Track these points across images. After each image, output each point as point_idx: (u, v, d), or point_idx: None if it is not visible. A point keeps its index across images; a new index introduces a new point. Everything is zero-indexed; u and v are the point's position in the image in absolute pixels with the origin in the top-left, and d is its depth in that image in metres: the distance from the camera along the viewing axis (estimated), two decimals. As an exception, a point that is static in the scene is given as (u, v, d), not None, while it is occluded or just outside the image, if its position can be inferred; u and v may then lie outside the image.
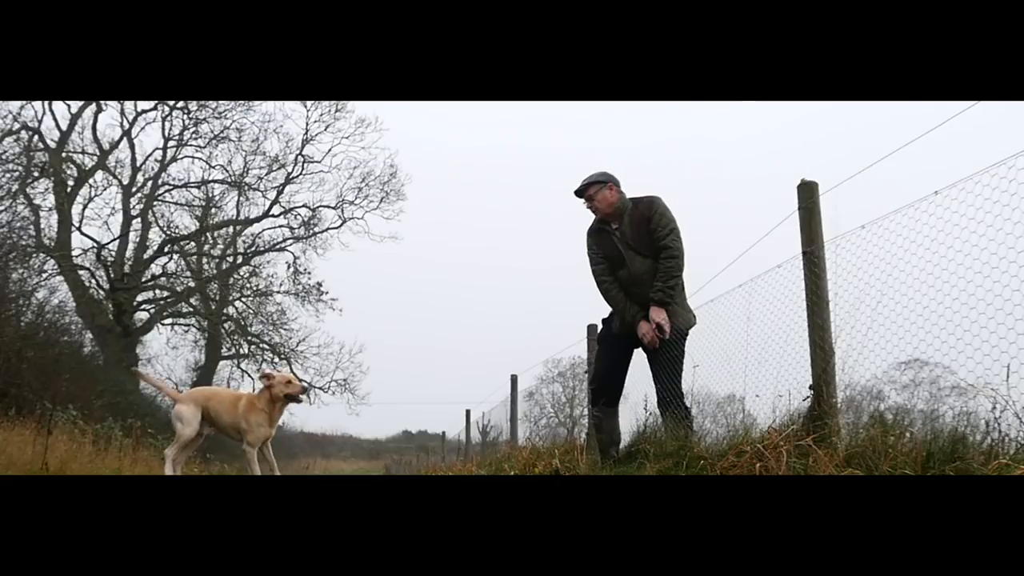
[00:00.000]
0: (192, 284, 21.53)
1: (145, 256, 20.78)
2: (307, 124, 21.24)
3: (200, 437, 5.53)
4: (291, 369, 21.51)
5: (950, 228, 2.66)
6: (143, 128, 20.35)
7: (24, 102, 17.60)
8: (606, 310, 4.49)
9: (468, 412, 13.37)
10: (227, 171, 20.98)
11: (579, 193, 4.39)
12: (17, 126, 17.83)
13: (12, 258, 13.27)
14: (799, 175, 3.39)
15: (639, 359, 4.40)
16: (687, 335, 4.19)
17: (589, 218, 4.51)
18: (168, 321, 21.56)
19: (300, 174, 21.60)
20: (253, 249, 22.13)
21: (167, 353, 23.31)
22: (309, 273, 21.78)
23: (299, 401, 5.56)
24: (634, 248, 4.22)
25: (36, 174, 18.06)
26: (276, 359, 21.48)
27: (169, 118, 20.21)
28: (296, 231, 21.94)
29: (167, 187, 20.99)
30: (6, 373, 9.40)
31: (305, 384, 5.62)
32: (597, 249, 4.41)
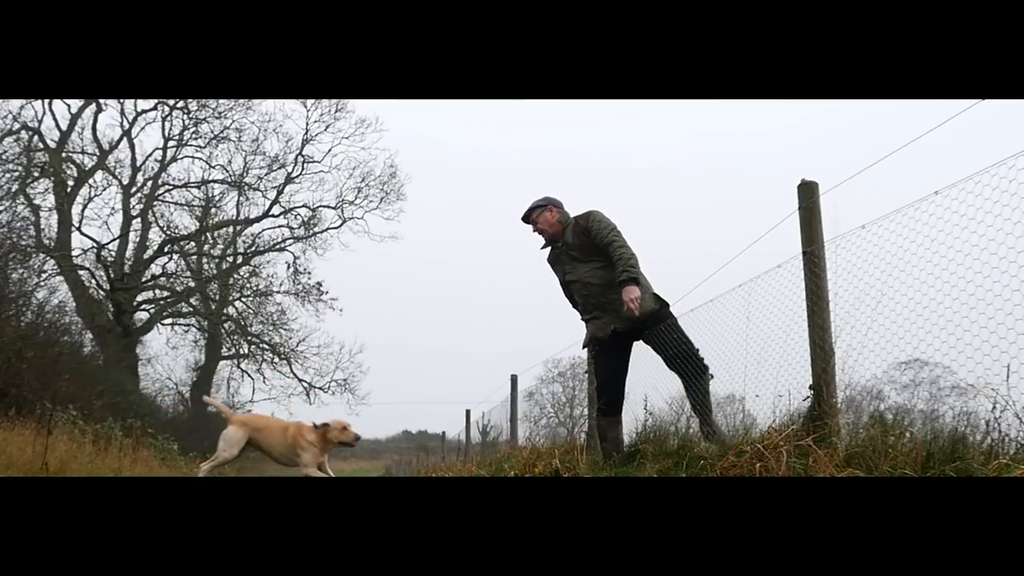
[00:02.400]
0: (192, 284, 21.52)
1: (145, 256, 20.78)
2: (307, 124, 21.27)
3: (236, 461, 5.76)
4: (291, 369, 21.54)
5: (950, 228, 2.66)
6: (143, 128, 20.39)
7: (24, 102, 17.63)
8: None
9: (468, 412, 13.37)
10: (227, 171, 21.00)
11: (525, 219, 4.66)
12: (17, 126, 17.85)
13: (12, 258, 13.27)
14: (800, 175, 3.39)
15: (638, 361, 4.41)
16: (671, 316, 4.27)
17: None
18: (168, 321, 21.59)
19: (300, 174, 21.63)
20: (253, 249, 22.13)
21: (167, 353, 23.33)
22: (309, 273, 21.81)
23: (351, 446, 5.72)
24: (578, 258, 4.44)
25: (36, 174, 18.05)
26: (276, 359, 21.49)
27: (169, 118, 20.24)
28: (296, 231, 21.96)
29: (167, 187, 21.01)
30: (6, 373, 9.40)
31: (359, 434, 5.68)
32: (560, 275, 4.63)
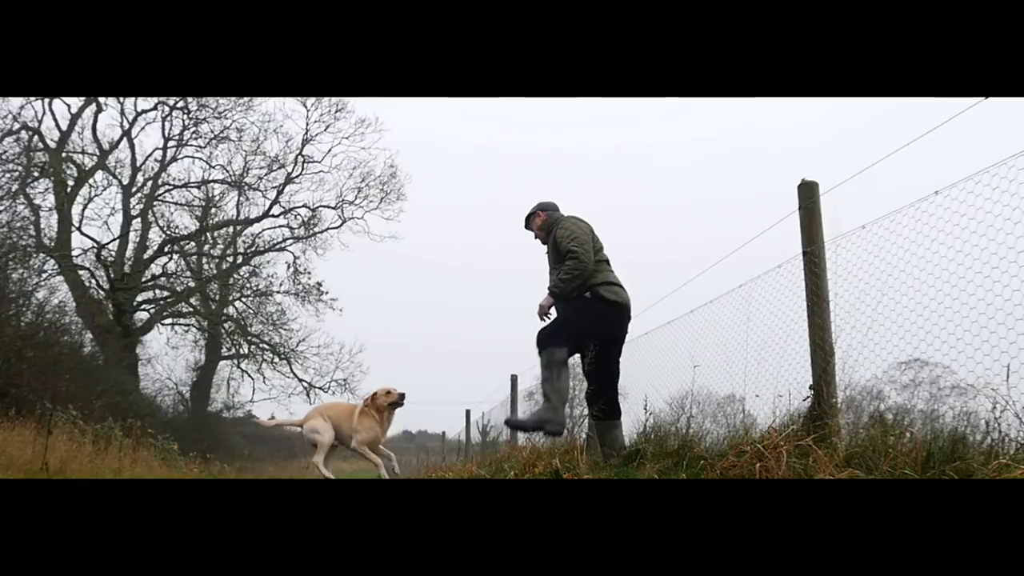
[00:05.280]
0: (192, 284, 21.53)
1: (145, 256, 20.78)
2: (307, 124, 21.27)
3: (335, 444, 5.94)
4: (291, 369, 21.53)
5: (950, 228, 2.66)
6: (143, 128, 20.39)
7: (24, 102, 17.63)
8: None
9: (468, 412, 13.37)
10: (227, 171, 21.01)
11: (526, 226, 4.78)
12: (17, 126, 17.85)
13: (12, 258, 13.27)
14: (800, 174, 3.40)
15: (635, 360, 4.42)
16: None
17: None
18: (168, 321, 21.59)
19: (300, 174, 21.62)
20: (253, 249, 22.13)
21: (167, 353, 23.35)
22: (309, 273, 21.80)
23: (400, 405, 5.92)
24: (552, 264, 4.51)
25: (36, 174, 18.04)
26: (276, 359, 21.49)
27: (169, 118, 20.24)
28: (296, 231, 21.96)
29: (167, 187, 21.01)
30: (6, 373, 9.40)
31: (402, 392, 5.92)
32: None
